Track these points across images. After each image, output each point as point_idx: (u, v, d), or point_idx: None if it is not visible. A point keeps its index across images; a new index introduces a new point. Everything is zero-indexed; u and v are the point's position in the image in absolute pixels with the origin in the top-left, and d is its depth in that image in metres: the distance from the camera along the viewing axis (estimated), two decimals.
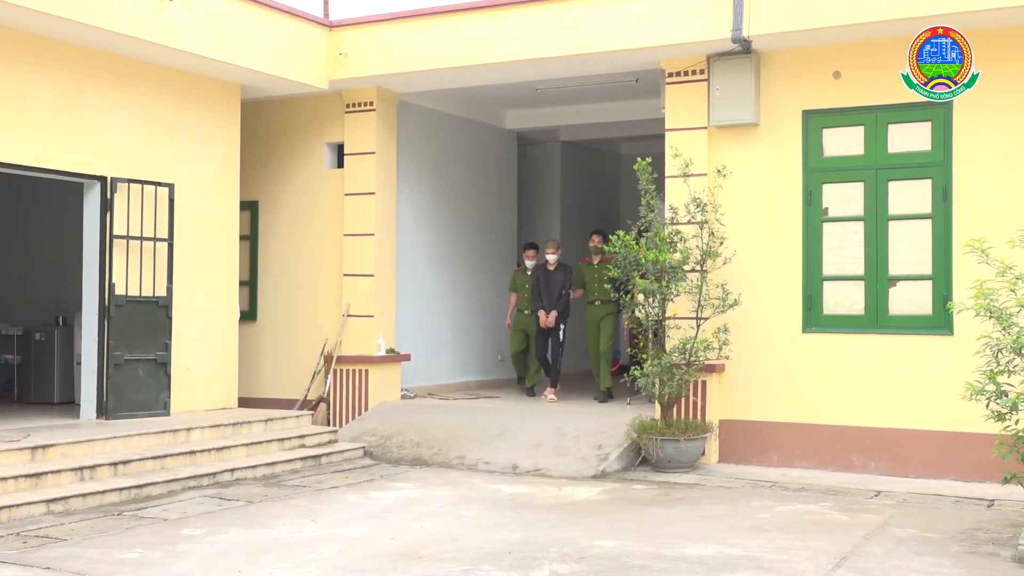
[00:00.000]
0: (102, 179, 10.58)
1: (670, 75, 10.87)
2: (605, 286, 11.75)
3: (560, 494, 9.02)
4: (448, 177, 14.25)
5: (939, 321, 9.75)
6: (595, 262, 12.75)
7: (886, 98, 9.89)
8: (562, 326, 12.87)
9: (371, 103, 12.50)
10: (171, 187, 11.09)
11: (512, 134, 15.65)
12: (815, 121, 10.34)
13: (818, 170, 10.33)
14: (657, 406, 10.42)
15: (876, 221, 10.06)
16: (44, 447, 8.93)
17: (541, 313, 12.86)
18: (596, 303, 12.78)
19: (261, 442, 10.50)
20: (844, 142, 10.24)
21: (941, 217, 9.80)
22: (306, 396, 12.62)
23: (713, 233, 10.40)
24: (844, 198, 10.23)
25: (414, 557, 6.66)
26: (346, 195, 12.65)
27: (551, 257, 12.96)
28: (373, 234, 12.48)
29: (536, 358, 13.31)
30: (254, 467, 9.87)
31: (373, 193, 12.51)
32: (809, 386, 10.25)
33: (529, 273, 13.29)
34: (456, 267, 14.25)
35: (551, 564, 6.47)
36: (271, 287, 13.17)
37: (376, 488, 9.30)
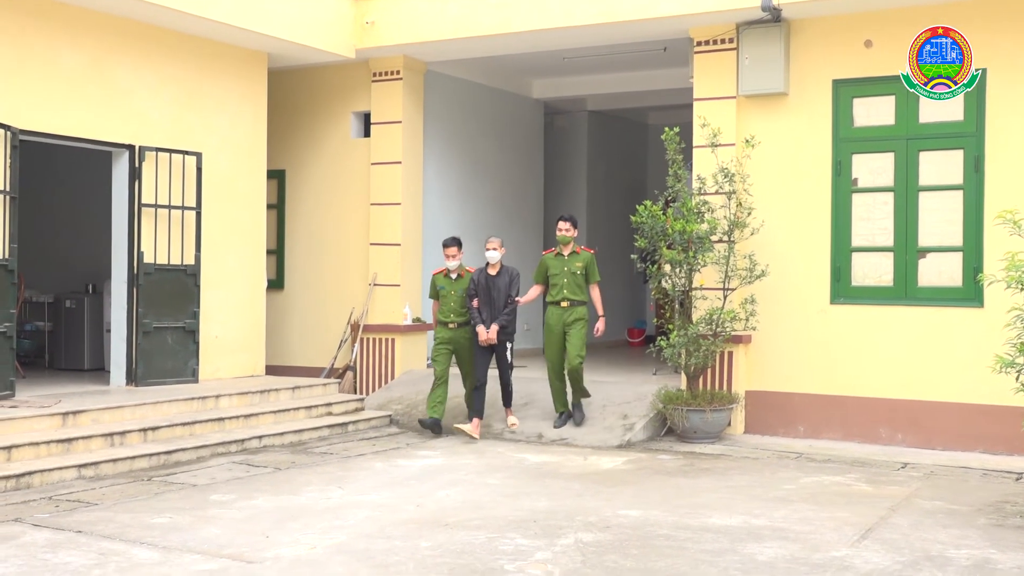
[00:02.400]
0: (130, 147, 10.63)
1: (699, 44, 10.78)
2: (576, 283, 10.09)
3: (585, 463, 9.04)
4: (475, 147, 14.22)
5: (969, 293, 9.67)
6: (565, 253, 10.26)
7: None
8: (509, 344, 10.33)
9: (398, 72, 12.48)
10: (199, 156, 11.13)
11: (539, 104, 15.60)
12: (845, 90, 10.23)
13: (848, 140, 10.23)
14: (683, 376, 10.41)
15: (906, 192, 9.97)
16: (75, 413, 9.03)
17: (480, 328, 10.12)
18: (563, 304, 10.15)
19: (288, 409, 10.57)
20: (875, 112, 10.14)
21: (973, 188, 9.69)
22: (333, 364, 12.69)
23: (741, 204, 10.34)
24: (874, 169, 10.13)
25: (440, 524, 6.71)
26: (373, 164, 12.66)
27: (493, 256, 10.27)
28: (399, 203, 12.49)
29: (465, 384, 10.50)
30: (281, 434, 9.94)
31: (400, 162, 12.51)
32: (837, 358, 10.20)
33: (453, 276, 10.46)
34: (482, 236, 14.22)
35: (576, 533, 6.50)
36: (298, 256, 13.22)
37: (402, 456, 9.35)
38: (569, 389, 10.33)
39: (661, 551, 6.08)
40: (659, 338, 10.25)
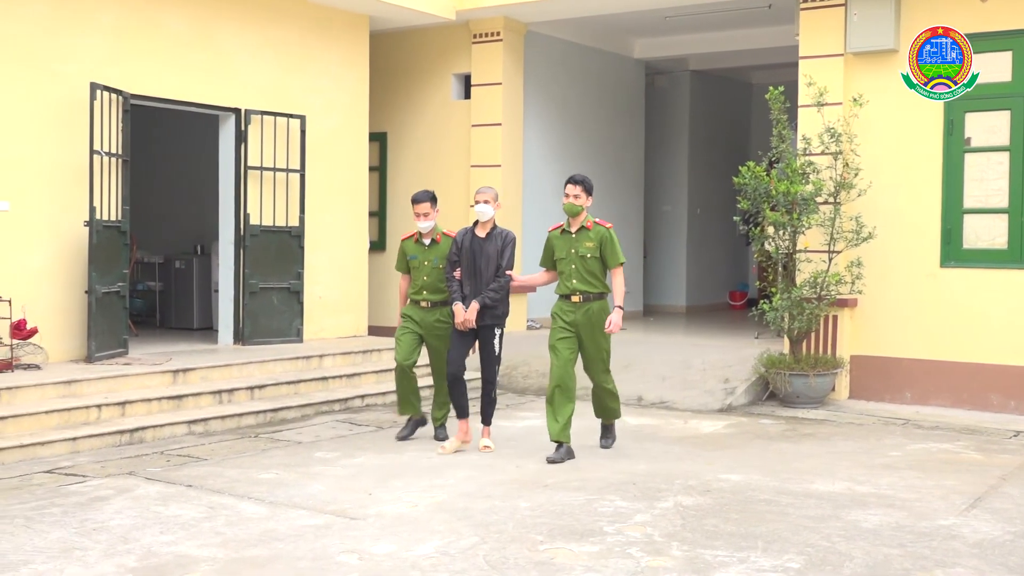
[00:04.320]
0: (236, 111, 10.82)
1: (805, 0, 10.50)
2: (588, 269, 7.58)
3: (686, 427, 8.99)
4: (575, 107, 14.13)
5: None
6: (572, 229, 7.73)
7: None
8: (498, 331, 7.86)
9: (498, 33, 12.45)
10: (302, 119, 11.27)
11: (640, 64, 15.41)
12: None
13: (961, 98, 9.88)
14: (786, 340, 10.25)
15: (1023, 151, 9.61)
16: (185, 371, 9.29)
17: (457, 307, 7.76)
18: (574, 298, 7.57)
19: (390, 370, 10.69)
20: (990, 68, 9.74)
21: None
22: None
23: (848, 164, 10.09)
24: (988, 127, 9.78)
25: (539, 485, 6.74)
26: (473, 126, 12.68)
27: (484, 211, 7.78)
28: (500, 165, 12.50)
29: (445, 374, 8.00)
30: (383, 394, 10.09)
31: (500, 124, 12.50)
32: (946, 322, 9.93)
33: (426, 242, 8.12)
34: None
35: (676, 496, 6.47)
36: (400, 218, 13.33)
37: (502, 417, 9.40)
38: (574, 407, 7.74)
39: (762, 516, 6.02)
40: (761, 301, 10.10)
